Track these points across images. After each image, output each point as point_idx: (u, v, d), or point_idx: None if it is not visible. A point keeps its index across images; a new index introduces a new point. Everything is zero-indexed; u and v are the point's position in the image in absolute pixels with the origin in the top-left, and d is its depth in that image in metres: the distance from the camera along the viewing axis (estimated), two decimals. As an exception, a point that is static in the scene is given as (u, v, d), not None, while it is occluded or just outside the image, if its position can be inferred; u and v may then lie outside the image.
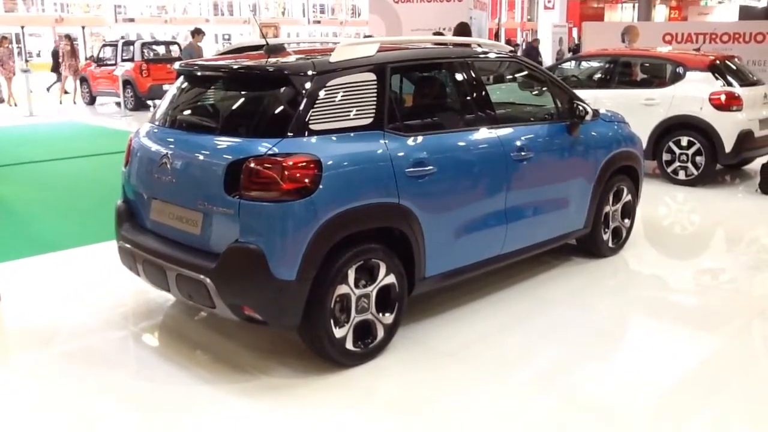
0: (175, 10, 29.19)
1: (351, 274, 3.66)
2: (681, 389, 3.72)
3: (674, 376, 3.83)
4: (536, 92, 5.24)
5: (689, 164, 8.35)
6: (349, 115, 3.72)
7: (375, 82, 3.85)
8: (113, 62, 17.80)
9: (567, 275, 5.29)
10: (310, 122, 3.57)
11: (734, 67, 8.77)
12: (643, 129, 8.21)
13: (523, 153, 4.55)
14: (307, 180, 3.44)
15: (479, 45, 4.82)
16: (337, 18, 35.60)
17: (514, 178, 4.51)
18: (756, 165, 8.85)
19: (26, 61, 25.58)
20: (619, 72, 9.14)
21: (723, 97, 8.13)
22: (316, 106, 3.60)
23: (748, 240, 6.68)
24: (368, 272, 3.77)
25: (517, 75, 5.25)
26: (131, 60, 17.26)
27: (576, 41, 24.19)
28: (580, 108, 4.97)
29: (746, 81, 8.63)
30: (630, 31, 11.41)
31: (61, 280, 5.25)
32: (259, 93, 3.77)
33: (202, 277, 3.52)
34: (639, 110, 8.38)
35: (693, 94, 8.26)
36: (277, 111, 3.65)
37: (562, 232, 5.14)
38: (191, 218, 3.68)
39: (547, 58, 22.44)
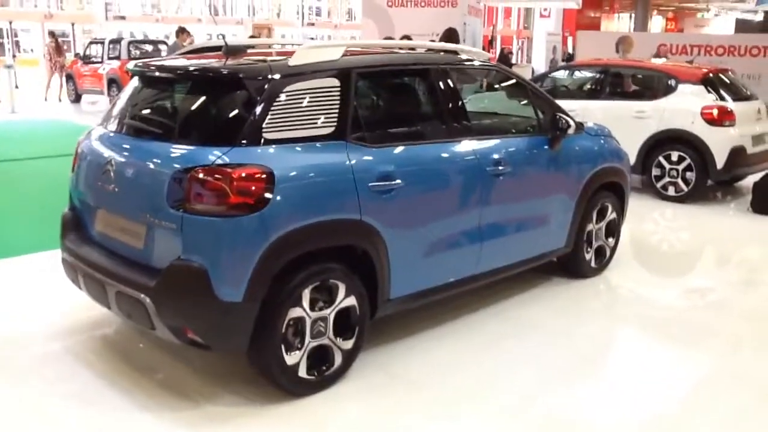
0: (168, 9, 28.88)
1: (306, 296, 3.37)
2: (666, 416, 3.49)
3: (659, 402, 3.60)
4: (516, 103, 4.97)
5: (679, 180, 8.10)
6: (308, 124, 3.44)
7: (338, 89, 3.57)
8: (100, 60, 17.50)
9: (546, 296, 5.02)
10: (265, 130, 3.29)
11: (728, 81, 8.53)
12: (633, 142, 8.02)
13: (500, 167, 4.27)
14: (257, 193, 3.16)
15: (456, 52, 4.54)
16: (332, 21, 35.34)
17: (489, 193, 4.24)
18: (748, 182, 8.61)
19: (14, 56, 25.23)
20: (610, 83, 8.89)
21: (715, 112, 7.88)
22: (271, 112, 3.32)
23: (738, 260, 6.44)
24: (326, 293, 3.49)
25: (496, 84, 4.97)
26: (117, 58, 16.95)
27: (569, 50, 23.99)
28: (563, 120, 4.69)
29: (740, 95, 8.39)
30: (624, 42, 11.18)
31: (3, 290, 4.95)
32: (210, 97, 3.48)
33: (141, 295, 3.23)
34: (629, 123, 8.15)
35: (685, 108, 8.01)
36: (228, 117, 3.37)
37: (542, 251, 4.86)
38: (135, 231, 3.39)
39: (541, 67, 22.24)
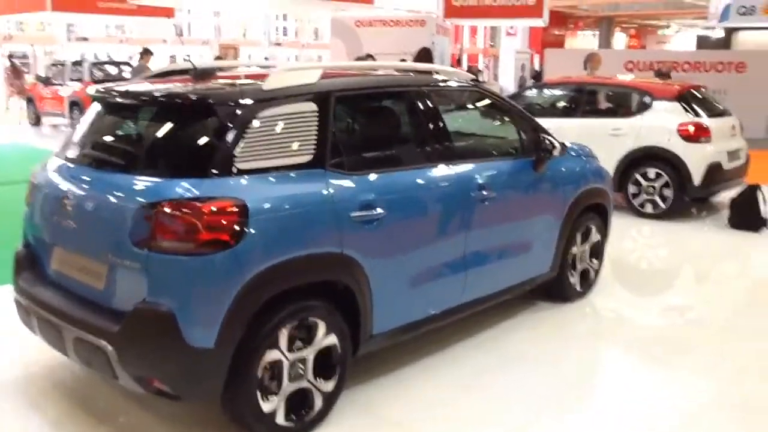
0: (132, 30, 28.38)
1: (284, 337, 3.13)
2: None
3: (646, 427, 3.49)
4: (500, 124, 4.79)
5: (656, 197, 8.01)
6: (284, 152, 3.21)
7: (316, 114, 3.35)
8: (61, 82, 17.05)
9: (531, 324, 4.82)
10: (237, 160, 3.05)
11: (702, 97, 8.49)
12: (609, 160, 7.87)
13: (484, 192, 4.07)
14: (230, 228, 2.91)
15: (437, 72, 4.35)
16: (299, 41, 35.15)
17: (474, 220, 4.04)
18: (724, 197, 8.57)
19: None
20: (585, 100, 8.80)
21: (692, 128, 7.82)
22: (244, 140, 3.08)
23: (720, 277, 6.35)
24: (305, 332, 3.24)
25: (478, 106, 4.79)
26: (80, 80, 16.52)
27: (536, 68, 24.10)
28: (547, 142, 4.52)
29: (714, 112, 8.35)
30: (592, 59, 11.10)
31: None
32: (178, 124, 3.23)
33: (102, 342, 2.95)
34: (605, 141, 8.03)
35: (661, 125, 7.94)
36: (197, 146, 3.12)
37: (527, 277, 4.67)
38: (95, 270, 3.11)
39: (510, 85, 22.27)
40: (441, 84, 4.27)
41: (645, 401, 3.79)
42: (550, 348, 4.47)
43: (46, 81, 17.83)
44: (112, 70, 18.40)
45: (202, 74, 3.55)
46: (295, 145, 3.24)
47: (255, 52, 32.93)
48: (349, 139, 3.74)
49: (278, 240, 3.05)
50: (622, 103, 8.64)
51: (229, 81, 3.53)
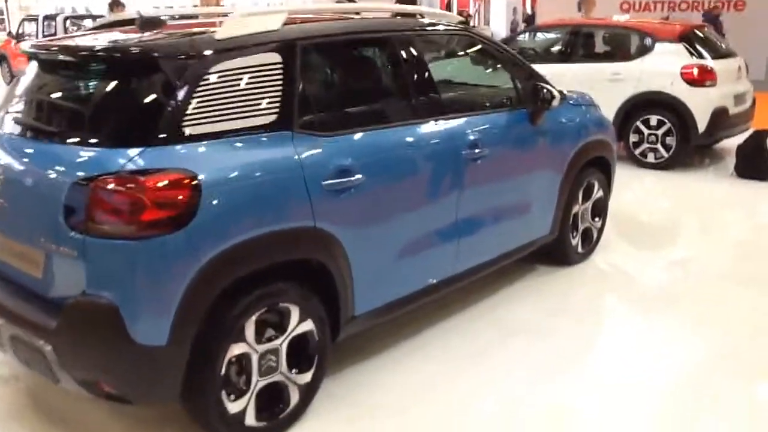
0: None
1: (250, 327, 2.72)
2: (660, 408, 3.21)
3: (652, 395, 3.29)
4: (492, 73, 4.31)
5: (659, 146, 7.58)
6: (243, 112, 2.75)
7: (280, 66, 2.88)
8: (35, 39, 16.32)
9: (531, 291, 4.44)
10: (188, 123, 2.60)
11: (705, 38, 7.98)
12: (608, 107, 7.44)
13: (477, 150, 3.64)
14: (180, 205, 2.48)
15: (421, 15, 3.85)
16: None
17: (466, 181, 3.61)
18: (726, 144, 8.14)
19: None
20: (582, 44, 8.28)
21: (696, 71, 7.34)
22: (195, 100, 2.63)
23: (726, 229, 5.96)
24: (276, 319, 2.84)
25: (469, 52, 4.30)
26: (54, 35, 15.80)
27: (529, 12, 23.32)
28: (545, 91, 4.06)
29: (718, 53, 7.85)
30: (586, 1, 10.55)
31: None
32: (118, 84, 2.74)
33: (40, 342, 2.54)
34: (603, 86, 7.57)
35: (663, 68, 7.46)
36: (141, 109, 2.65)
37: (526, 241, 4.27)
38: (32, 257, 2.68)
39: (502, 30, 21.57)
40: (426, 28, 3.78)
41: (648, 364, 3.57)
42: (551, 315, 4.12)
43: (19, 37, 17.08)
44: (90, 23, 17.65)
45: (149, 24, 3.06)
46: (255, 104, 2.78)
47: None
48: (320, 95, 3.26)
49: (238, 216, 2.62)
50: (621, 46, 8.13)
51: (180, 32, 3.05)
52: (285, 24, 2.99)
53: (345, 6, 4.12)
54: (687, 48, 7.50)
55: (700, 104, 7.32)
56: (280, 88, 2.85)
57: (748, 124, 7.93)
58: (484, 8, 31.82)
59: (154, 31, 3.04)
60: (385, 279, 3.29)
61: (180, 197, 2.48)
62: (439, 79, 3.70)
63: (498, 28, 22.64)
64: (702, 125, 7.35)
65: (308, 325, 2.94)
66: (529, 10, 23.76)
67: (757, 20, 13.86)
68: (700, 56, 7.51)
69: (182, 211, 2.48)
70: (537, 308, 4.22)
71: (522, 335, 3.86)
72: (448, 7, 26.26)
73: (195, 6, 18.68)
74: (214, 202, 2.54)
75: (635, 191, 7.20)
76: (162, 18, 3.16)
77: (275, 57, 2.88)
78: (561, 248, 4.65)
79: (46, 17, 16.88)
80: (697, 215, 6.46)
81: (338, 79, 3.52)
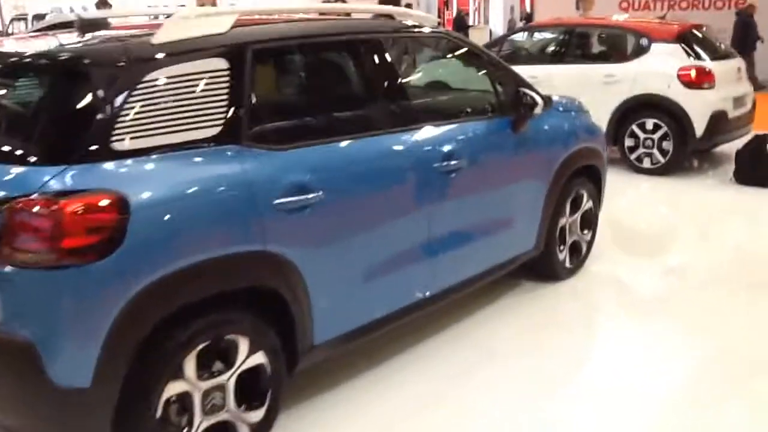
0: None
1: (191, 362, 2.46)
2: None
3: (665, 420, 3.06)
4: (472, 78, 4.03)
5: (655, 150, 7.30)
6: (183, 124, 2.48)
7: (227, 73, 2.61)
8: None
9: (515, 309, 4.17)
10: (116, 138, 2.33)
11: (704, 38, 7.70)
12: (602, 110, 7.23)
13: (452, 162, 3.37)
14: (104, 230, 2.21)
15: (392, 16, 3.58)
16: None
17: (440, 196, 3.34)
18: (725, 148, 7.86)
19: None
20: (576, 44, 8.01)
21: (693, 73, 7.07)
22: (126, 112, 2.36)
23: (725, 240, 5.65)
24: (223, 351, 2.58)
25: (445, 56, 4.03)
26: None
27: (528, 10, 23.03)
28: (528, 97, 3.78)
29: (717, 54, 7.58)
30: (585, -1, 10.30)
31: None
32: (41, 94, 2.49)
33: None
34: (598, 88, 7.34)
35: (659, 70, 7.18)
36: (63, 122, 2.37)
37: (508, 257, 4.00)
38: None
39: (499, 28, 21.31)
40: (397, 31, 3.51)
41: (642, 381, 3.37)
42: (537, 335, 3.87)
43: (9, 37, 16.86)
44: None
45: (88, 26, 2.80)
46: (198, 115, 2.51)
47: (242, 1, 31.61)
48: (274, 104, 2.99)
49: (174, 241, 2.35)
50: (617, 46, 7.86)
51: (117, 34, 2.78)
52: (236, 26, 2.72)
53: (311, 6, 3.83)
54: (684, 48, 7.22)
55: (698, 107, 7.05)
56: (226, 96, 2.59)
57: (748, 128, 7.66)
58: (484, 6, 31.56)
59: (93, 35, 2.78)
60: (349, 304, 3.03)
61: (105, 221, 2.21)
62: (412, 85, 3.44)
63: (496, 27, 22.37)
64: (700, 129, 7.07)
65: (260, 358, 2.67)
66: (528, 9, 23.48)
67: (759, 19, 13.55)
68: (698, 57, 7.23)
69: (108, 237, 2.21)
70: (522, 326, 3.96)
71: (506, 355, 3.62)
72: (446, 6, 25.99)
73: (181, 6, 18.40)
74: (146, 225, 2.28)
75: (630, 198, 6.95)
76: (104, 19, 2.89)
77: (221, 62, 2.61)
78: (547, 263, 4.38)
79: (36, 16, 16.64)
80: (694, 223, 6.20)
81: (296, 87, 3.26)
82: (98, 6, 11.51)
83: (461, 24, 20.51)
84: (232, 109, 2.59)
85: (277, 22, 3.11)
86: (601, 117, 7.30)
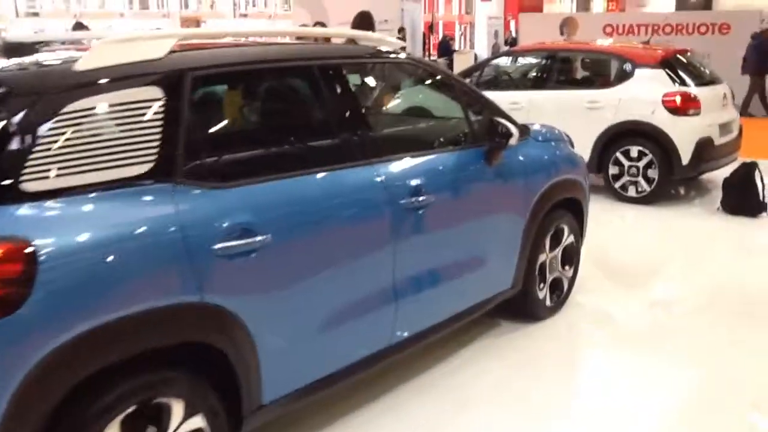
0: (88, 4, 26.87)
1: (113, 431, 2.15)
2: None
3: None
4: (441, 107, 3.78)
5: (640, 179, 7.07)
6: (107, 161, 2.20)
7: (162, 103, 2.34)
8: None
9: (491, 353, 3.88)
10: (26, 178, 2.05)
11: (688, 63, 7.53)
12: (585, 137, 7.05)
13: (419, 198, 3.10)
14: (6, 283, 1.92)
15: (354, 41, 3.32)
16: (267, 11, 33.71)
17: (406, 235, 3.07)
18: (711, 176, 7.65)
19: None
20: (558, 69, 7.82)
21: (678, 99, 6.87)
22: (39, 148, 2.08)
23: (717, 273, 5.36)
24: (154, 416, 2.27)
25: (412, 83, 3.78)
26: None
27: (513, 34, 23.02)
28: (502, 127, 3.53)
29: (703, 79, 7.39)
30: (569, 23, 10.21)
31: None
32: None
33: None
34: (581, 115, 7.15)
35: (643, 96, 6.98)
36: None
37: (482, 297, 3.73)
38: None
39: (484, 53, 21.23)
40: (359, 56, 3.26)
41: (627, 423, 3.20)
42: (514, 381, 3.59)
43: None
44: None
45: (12, 49, 2.53)
46: (125, 151, 2.24)
47: (220, 24, 31.54)
48: (216, 137, 2.70)
49: (91, 295, 2.06)
50: (600, 71, 7.70)
51: (39, 60, 2.51)
52: (173, 51, 2.46)
53: (265, 30, 3.54)
54: (669, 74, 7.03)
55: (684, 134, 6.84)
56: (159, 129, 2.31)
57: (734, 155, 7.46)
58: (469, 32, 31.61)
59: (16, 59, 2.50)
60: (303, 358, 2.74)
61: (7, 273, 1.92)
62: (376, 114, 3.17)
63: (481, 51, 22.32)
64: (686, 157, 6.86)
65: (198, 422, 2.37)
66: (513, 33, 23.48)
67: (742, 43, 13.48)
68: (683, 83, 7.05)
69: (10, 291, 1.92)
70: (499, 372, 3.68)
71: (480, 405, 3.34)
72: (431, 31, 25.94)
73: (158, 28, 18.20)
74: (57, 277, 1.99)
75: (615, 227, 6.71)
76: (29, 42, 2.62)
77: (154, 91, 2.34)
78: (526, 302, 4.12)
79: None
80: (680, 254, 5.93)
81: (242, 117, 2.98)
82: (75, 28, 11.22)
83: (446, 49, 20.43)
84: (166, 143, 2.31)
85: (225, 47, 2.84)
86: (584, 144, 7.13)
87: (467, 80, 7.98)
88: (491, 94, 7.74)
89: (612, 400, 3.39)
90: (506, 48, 20.40)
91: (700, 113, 6.90)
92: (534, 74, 8.00)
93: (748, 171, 6.67)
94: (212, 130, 2.71)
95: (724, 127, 7.22)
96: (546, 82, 7.72)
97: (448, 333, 3.67)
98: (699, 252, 5.93)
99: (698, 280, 5.18)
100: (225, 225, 2.37)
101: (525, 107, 7.43)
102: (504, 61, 8.62)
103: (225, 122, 2.90)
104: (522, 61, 8.38)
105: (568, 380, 3.71)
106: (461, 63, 17.52)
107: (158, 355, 2.26)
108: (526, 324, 4.21)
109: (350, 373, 2.99)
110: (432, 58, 20.00)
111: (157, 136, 2.30)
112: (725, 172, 7.00)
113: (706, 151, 6.93)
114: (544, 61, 7.92)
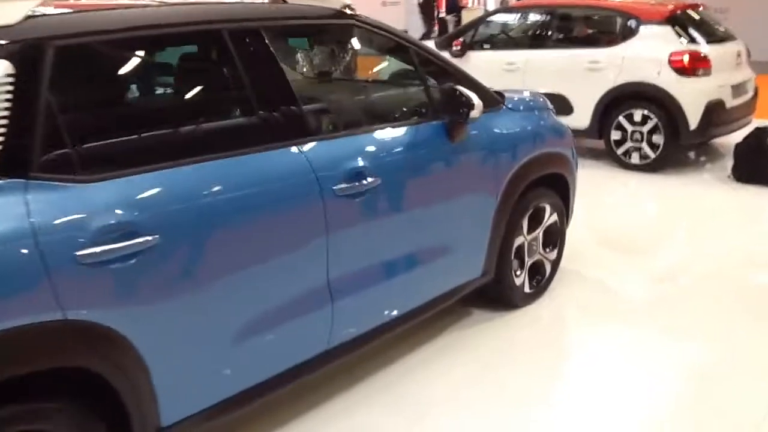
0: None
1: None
2: None
3: None
4: (393, 76, 3.32)
5: (644, 144, 6.57)
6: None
7: (11, 80, 1.92)
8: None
9: (459, 346, 3.49)
10: None
11: (699, 19, 6.94)
12: (586, 100, 6.61)
13: (360, 182, 2.67)
14: None
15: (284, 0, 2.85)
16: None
17: (340, 226, 2.64)
18: (727, 140, 7.11)
19: None
20: (557, 27, 7.27)
21: (686, 58, 6.33)
22: None
23: (722, 249, 4.86)
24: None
25: (355, 49, 3.31)
26: None
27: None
28: (464, 97, 3.06)
29: (714, 36, 6.82)
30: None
31: None
32: None
33: None
34: (581, 76, 6.70)
35: (648, 55, 6.46)
36: None
37: (446, 289, 3.32)
38: None
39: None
40: (284, 17, 2.78)
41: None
42: (481, 383, 3.18)
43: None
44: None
45: None
46: (-39, 140, 1.83)
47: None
48: (86, 122, 2.25)
49: None
50: (602, 28, 7.16)
51: None
52: (35, 15, 2.03)
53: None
54: (676, 31, 6.48)
55: (692, 97, 6.33)
56: (7, 113, 1.89)
57: (748, 119, 6.93)
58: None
59: None
60: (211, 374, 2.35)
61: None
62: (310, 88, 2.72)
63: (491, 7, 21.49)
64: (694, 121, 6.35)
65: (76, 457, 2.01)
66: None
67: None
68: (692, 40, 6.51)
69: None
70: (465, 371, 3.28)
71: (443, 409, 2.97)
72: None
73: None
74: None
75: (617, 196, 6.30)
76: None
77: (3, 66, 1.91)
78: (501, 290, 3.71)
79: None
80: (687, 225, 5.54)
81: (122, 95, 2.53)
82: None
83: (455, 5, 19.60)
84: (16, 130, 1.89)
85: (102, 10, 2.35)
86: (584, 107, 6.65)
87: (461, 39, 7.52)
88: (486, 55, 7.40)
89: (600, 383, 3.12)
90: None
91: (711, 74, 6.38)
92: (531, 32, 7.46)
93: (760, 136, 6.14)
94: (82, 113, 2.25)
95: (737, 89, 6.68)
96: (544, 41, 7.20)
97: (416, 325, 3.28)
98: (706, 224, 5.47)
99: (703, 253, 4.76)
100: (94, 226, 1.96)
101: (521, 68, 6.95)
102: (500, 19, 8.04)
103: (99, 103, 2.42)
104: (519, 18, 7.82)
105: (545, 376, 3.30)
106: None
107: (23, 385, 1.88)
108: (502, 312, 3.81)
109: (278, 383, 2.60)
110: (441, 14, 19.27)
111: (4, 122, 1.88)
112: (738, 136, 6.48)
113: (717, 115, 6.41)
114: (542, 18, 7.38)
